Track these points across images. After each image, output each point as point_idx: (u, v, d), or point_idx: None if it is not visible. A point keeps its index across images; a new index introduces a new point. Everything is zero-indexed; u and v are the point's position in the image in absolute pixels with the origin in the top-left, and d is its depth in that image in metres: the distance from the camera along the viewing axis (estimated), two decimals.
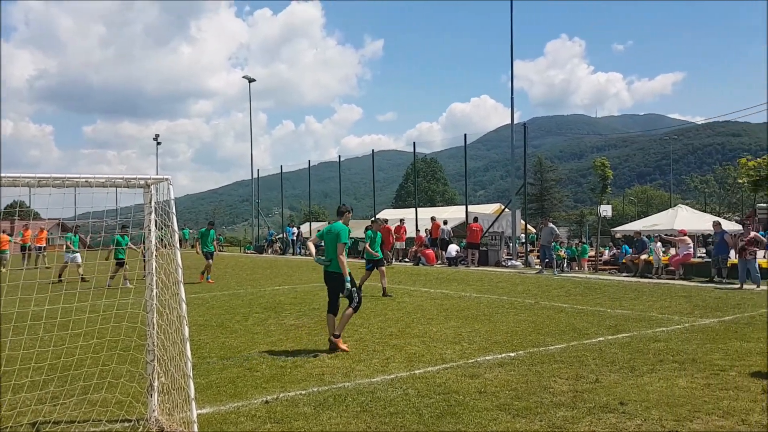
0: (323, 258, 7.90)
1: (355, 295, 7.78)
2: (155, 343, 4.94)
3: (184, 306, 4.45)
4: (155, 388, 4.98)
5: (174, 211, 4.71)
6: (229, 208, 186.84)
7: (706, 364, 6.63)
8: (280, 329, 9.31)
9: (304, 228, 38.16)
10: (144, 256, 5.41)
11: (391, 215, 33.94)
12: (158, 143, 55.47)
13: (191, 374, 4.32)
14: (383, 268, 13.52)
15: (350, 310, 7.80)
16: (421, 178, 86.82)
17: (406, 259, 25.10)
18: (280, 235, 38.95)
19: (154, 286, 4.98)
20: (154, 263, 4.98)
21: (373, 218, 16.14)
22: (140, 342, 5.41)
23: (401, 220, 26.03)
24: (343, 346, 7.60)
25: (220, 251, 43.94)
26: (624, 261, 21.18)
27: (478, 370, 6.45)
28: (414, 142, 29.97)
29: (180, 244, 5.00)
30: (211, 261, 17.68)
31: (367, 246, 13.69)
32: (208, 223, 19.76)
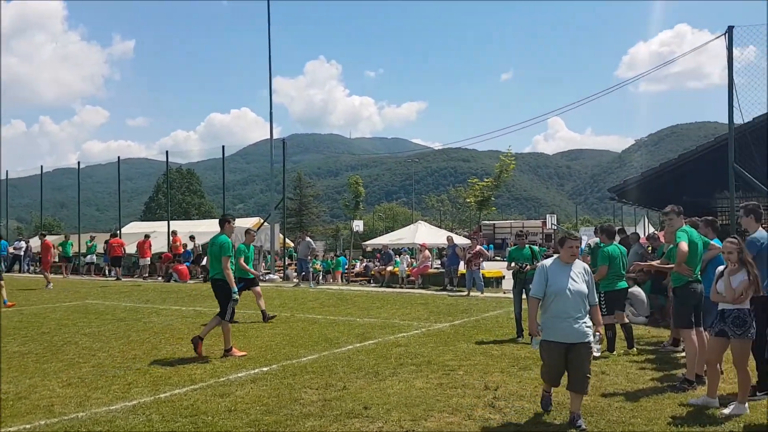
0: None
1: (229, 309, 8.15)
2: None
3: None
4: None
5: None
6: None
7: (439, 365, 7.37)
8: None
9: (35, 242, 33.52)
10: None
11: (140, 229, 31.59)
12: None
13: None
14: (258, 288, 11.71)
15: (219, 318, 8.19)
16: (175, 190, 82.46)
17: (159, 277, 23.53)
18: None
19: None
20: None
21: (246, 229, 13.97)
22: None
23: (146, 236, 24.32)
24: (240, 353, 8.07)
25: None
26: (372, 272, 22.65)
27: (228, 389, 6.31)
28: (167, 151, 28.41)
29: None
30: None
31: (241, 262, 11.28)
32: None
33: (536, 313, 5.19)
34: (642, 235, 14.95)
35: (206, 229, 30.13)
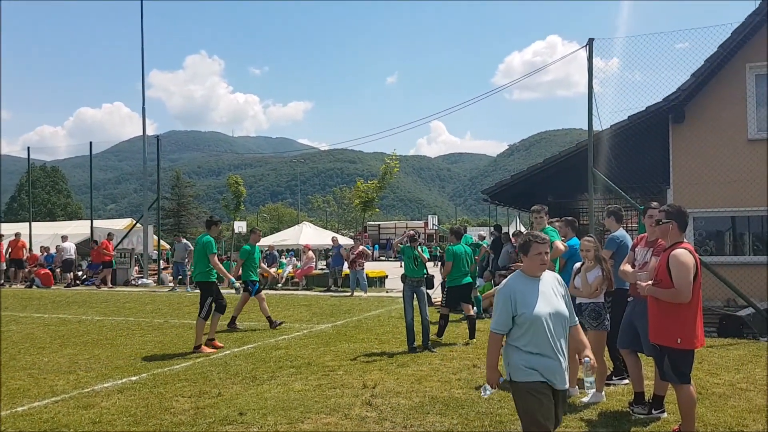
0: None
1: (206, 305, 8.59)
2: None
3: None
4: None
5: None
6: None
7: (319, 366, 7.36)
8: None
9: None
10: None
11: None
12: None
13: None
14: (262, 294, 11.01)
15: (200, 320, 8.56)
16: (39, 189, 76.12)
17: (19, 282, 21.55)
18: None
19: None
20: None
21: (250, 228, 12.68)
22: None
23: (17, 234, 22.12)
24: (208, 350, 8.39)
25: None
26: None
27: (94, 400, 5.92)
28: (28, 147, 26.17)
29: None
30: None
31: (262, 265, 10.48)
32: None
33: (497, 355, 3.71)
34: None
35: (72, 230, 28.11)
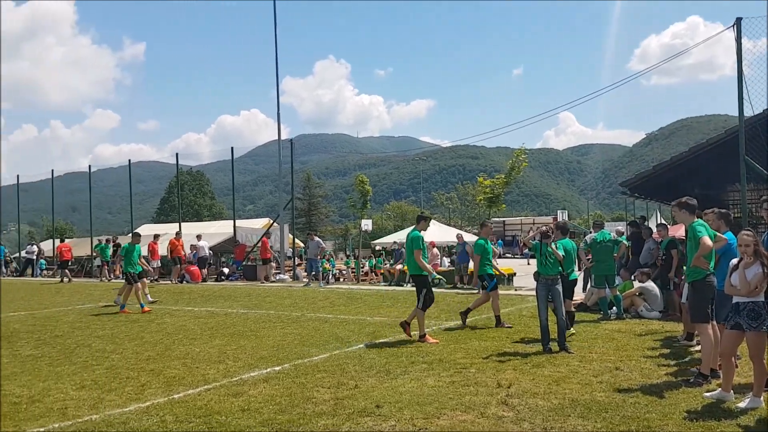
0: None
1: (421, 297, 9.07)
2: None
3: None
4: None
5: None
6: None
7: (451, 363, 7.34)
8: (14, 361, 8.10)
9: (46, 246, 33.80)
10: None
11: (152, 230, 31.77)
12: None
13: None
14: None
15: (419, 311, 9.07)
16: (186, 192, 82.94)
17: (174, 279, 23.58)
18: (16, 254, 34.14)
19: None
20: None
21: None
22: None
23: (155, 236, 24.26)
24: (432, 340, 8.73)
25: None
26: (381, 271, 22.65)
27: (242, 388, 6.32)
28: (177, 153, 28.55)
29: None
30: None
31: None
32: None
33: None
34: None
35: (216, 230, 30.31)
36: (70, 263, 25.45)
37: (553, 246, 8.35)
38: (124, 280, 14.30)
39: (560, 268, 8.42)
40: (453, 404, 5.56)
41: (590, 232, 14.14)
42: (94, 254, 26.65)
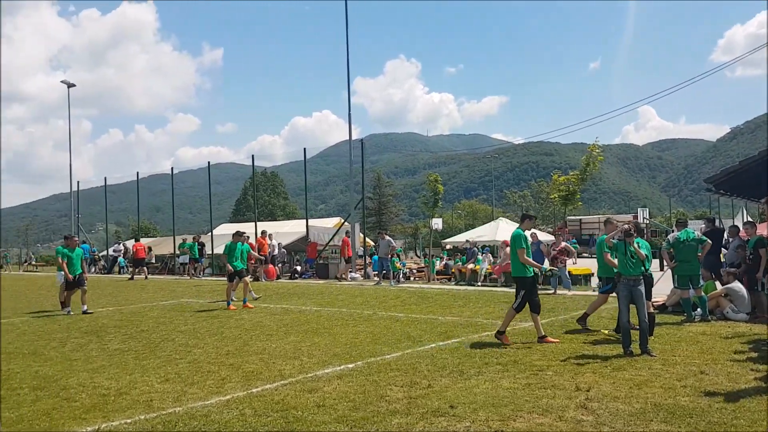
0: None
1: (519, 297, 8.76)
2: None
3: None
4: None
5: None
6: (44, 224, 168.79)
7: (526, 365, 7.19)
8: (102, 354, 8.57)
9: (132, 244, 35.57)
10: None
11: (229, 230, 32.89)
12: None
13: None
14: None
15: (512, 310, 8.79)
16: (261, 192, 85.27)
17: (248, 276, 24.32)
18: (103, 252, 36.13)
19: None
20: None
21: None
22: None
23: (263, 233, 24.84)
24: (554, 340, 8.59)
25: (33, 270, 39.65)
26: (453, 270, 22.47)
27: (317, 384, 6.43)
28: (252, 155, 29.43)
29: None
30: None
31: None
32: None
33: None
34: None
35: (290, 229, 31.02)
36: (145, 261, 26.70)
37: (636, 245, 8.02)
38: (227, 279, 14.68)
39: (643, 267, 8.08)
40: (529, 407, 5.44)
41: (673, 231, 13.48)
42: (178, 252, 27.82)
